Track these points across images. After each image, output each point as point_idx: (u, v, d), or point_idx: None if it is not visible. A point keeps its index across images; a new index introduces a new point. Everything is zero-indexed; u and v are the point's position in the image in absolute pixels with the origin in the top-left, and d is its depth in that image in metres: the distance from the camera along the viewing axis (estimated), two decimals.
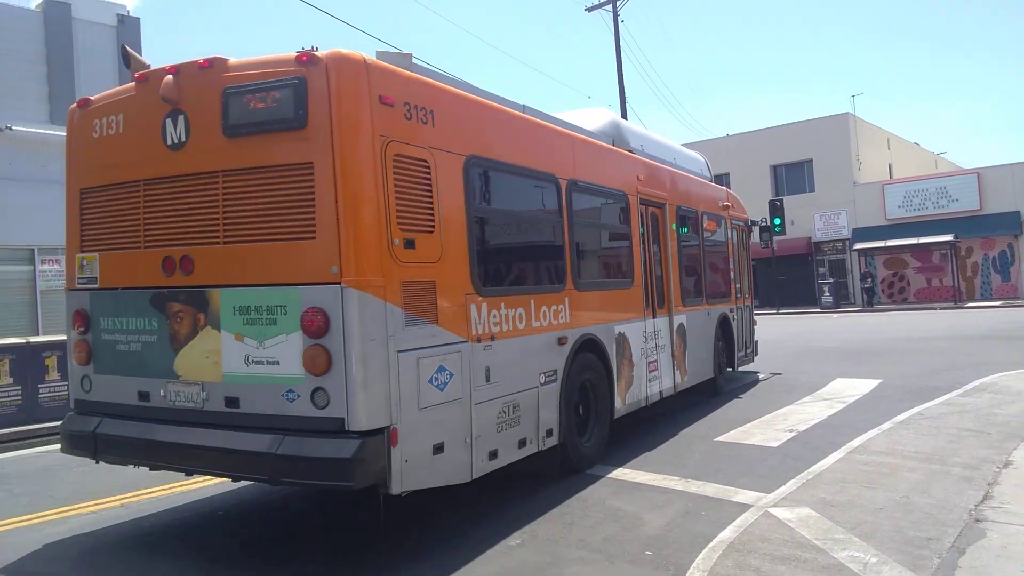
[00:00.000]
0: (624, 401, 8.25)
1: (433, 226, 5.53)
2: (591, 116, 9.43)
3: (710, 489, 6.64)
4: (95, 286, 6.01)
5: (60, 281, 16.37)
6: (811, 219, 40.21)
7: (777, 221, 35.99)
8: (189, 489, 7.54)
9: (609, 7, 35.39)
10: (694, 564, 4.90)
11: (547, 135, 7.40)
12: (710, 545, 5.18)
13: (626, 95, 37.41)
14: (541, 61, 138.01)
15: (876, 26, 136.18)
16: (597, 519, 6.00)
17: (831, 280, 37.86)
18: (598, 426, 7.67)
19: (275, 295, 5.06)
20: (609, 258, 8.56)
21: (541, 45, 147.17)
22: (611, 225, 8.68)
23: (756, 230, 15.63)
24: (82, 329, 6.07)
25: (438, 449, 5.38)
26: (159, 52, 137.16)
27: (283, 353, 5.03)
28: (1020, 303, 31.66)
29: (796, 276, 40.34)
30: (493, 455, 5.98)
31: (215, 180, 5.29)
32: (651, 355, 9.08)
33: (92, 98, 6.18)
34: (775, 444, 8.22)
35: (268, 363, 5.08)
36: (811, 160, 40.78)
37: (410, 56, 5.77)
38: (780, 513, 5.69)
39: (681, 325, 10.14)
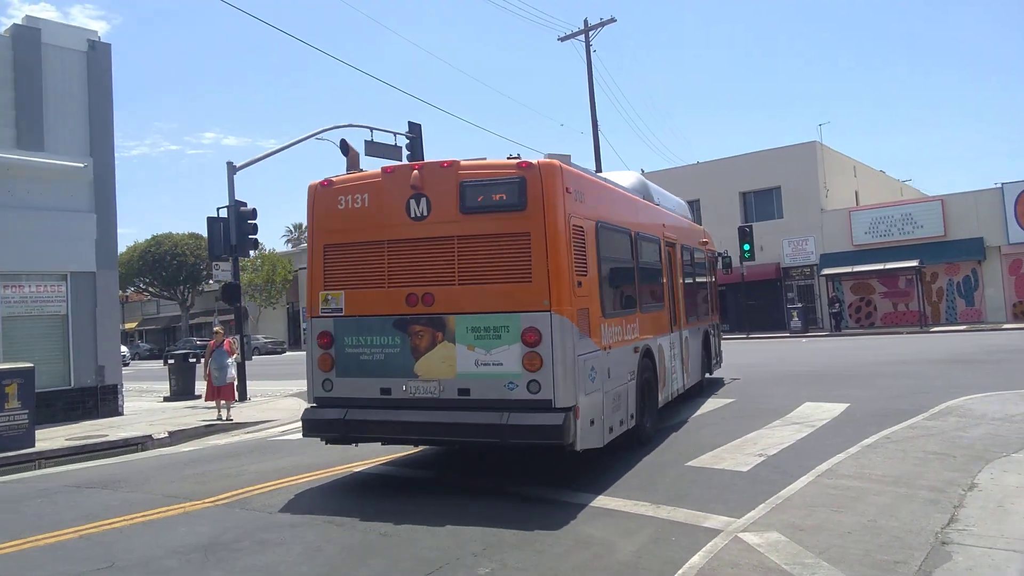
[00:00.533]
0: (661, 396, 10.79)
1: (586, 271, 8.07)
2: (623, 176, 11.43)
3: (680, 514, 6.63)
4: (340, 314, 8.29)
5: (23, 307, 16.09)
6: (780, 245, 40.75)
7: (746, 247, 36.63)
8: (151, 520, 7.40)
9: (581, 37, 35.81)
10: None
11: (626, 201, 10.18)
12: (680, 571, 5.15)
13: (598, 122, 37.78)
14: (514, 89, 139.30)
15: (844, 56, 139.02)
16: (568, 546, 5.96)
17: (800, 305, 38.26)
18: (651, 412, 10.11)
19: (500, 319, 7.60)
20: (653, 287, 11.06)
21: (514, 73, 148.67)
22: (653, 262, 11.10)
23: (720, 260, 18.48)
24: (326, 345, 8.30)
25: (592, 423, 7.82)
26: (129, 78, 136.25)
27: (506, 357, 7.56)
28: (984, 327, 32.16)
29: (765, 301, 40.80)
30: (611, 430, 8.40)
31: (451, 242, 7.84)
32: (673, 361, 11.76)
33: (333, 179, 8.53)
34: (745, 468, 8.21)
35: (493, 365, 7.59)
36: (779, 187, 41.40)
37: (569, 156, 8.19)
38: (750, 538, 5.68)
39: (686, 338, 12.82)
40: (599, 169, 41.03)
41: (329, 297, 8.49)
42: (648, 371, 10.03)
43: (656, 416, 10.38)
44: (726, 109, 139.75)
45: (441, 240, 7.92)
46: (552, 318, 7.48)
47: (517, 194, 7.66)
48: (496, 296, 7.67)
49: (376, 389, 8.08)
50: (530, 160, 7.73)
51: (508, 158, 7.94)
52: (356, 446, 9.75)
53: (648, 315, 10.37)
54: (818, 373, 17.38)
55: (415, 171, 8.07)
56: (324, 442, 8.46)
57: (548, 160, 7.76)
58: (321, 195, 8.56)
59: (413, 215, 8.07)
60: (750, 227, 37.52)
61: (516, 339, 7.55)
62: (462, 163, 7.95)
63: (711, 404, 13.09)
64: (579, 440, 7.51)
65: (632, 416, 9.15)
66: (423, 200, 8.03)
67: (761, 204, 42.38)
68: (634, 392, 9.30)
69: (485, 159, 8.04)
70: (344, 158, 8.85)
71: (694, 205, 43.75)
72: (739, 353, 25.85)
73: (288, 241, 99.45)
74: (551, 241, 7.57)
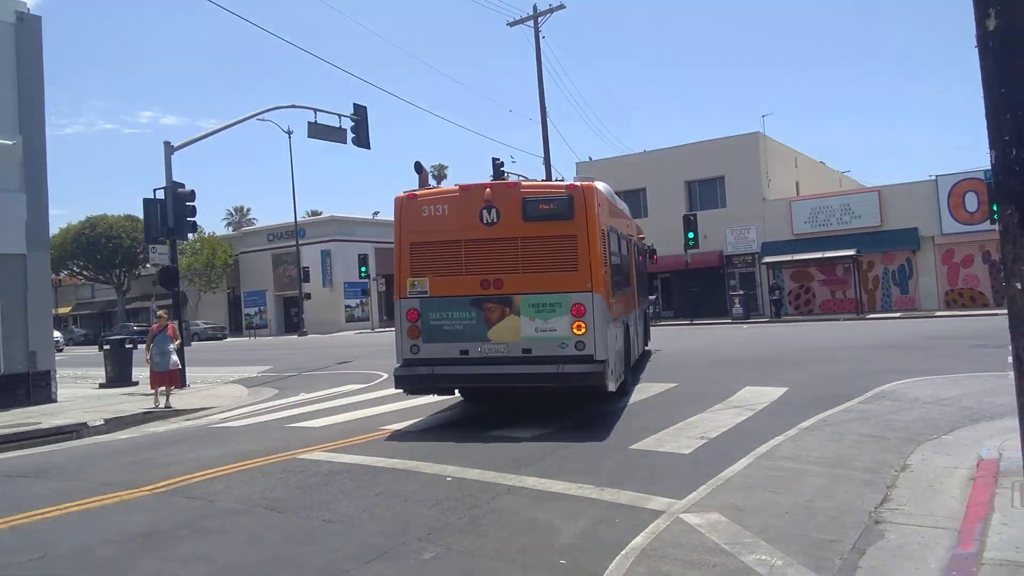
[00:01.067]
0: (631, 360, 14.00)
1: (605, 263, 10.95)
2: (599, 186, 12.72)
3: (624, 497, 6.70)
4: (425, 295, 11.03)
5: None
6: (723, 233, 41.42)
7: (691, 235, 37.17)
8: (86, 509, 7.21)
9: (531, 23, 35.72)
10: (607, 571, 4.92)
11: (616, 209, 13.79)
12: (623, 552, 5.21)
13: (547, 108, 37.80)
14: (464, 74, 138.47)
15: (785, 49, 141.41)
16: (513, 530, 5.98)
17: (742, 292, 39.00)
18: (629, 371, 13.26)
19: (554, 297, 10.51)
20: (626, 275, 14.16)
21: (464, 58, 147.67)
22: (624, 255, 14.02)
23: (648, 251, 21.13)
24: (414, 319, 11.01)
25: (612, 372, 10.83)
26: (62, 53, 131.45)
27: (558, 325, 10.46)
28: (918, 315, 33.19)
29: (709, 288, 41.46)
30: (617, 379, 11.39)
31: (515, 241, 10.72)
32: (636, 332, 15.20)
33: (417, 193, 11.32)
34: (687, 451, 8.31)
35: (549, 331, 10.49)
36: (723, 177, 42.04)
37: (593, 179, 11.19)
38: (691, 519, 5.78)
39: (639, 316, 16.29)
40: (547, 158, 41.27)
41: (415, 282, 11.15)
42: (625, 340, 12.85)
43: (630, 374, 13.65)
44: (672, 99, 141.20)
45: (508, 240, 10.85)
46: (593, 297, 10.53)
47: (567, 207, 10.68)
48: (550, 281, 10.65)
49: (456, 351, 10.86)
50: (575, 183, 10.86)
51: (558, 180, 11.71)
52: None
53: (623, 296, 13.26)
54: (758, 358, 17.73)
55: (488, 189, 11.00)
56: (405, 392, 11.43)
57: (588, 183, 10.93)
58: (407, 205, 11.33)
59: (485, 221, 10.93)
60: (694, 215, 38.17)
61: (567, 312, 10.57)
62: (523, 184, 11.08)
63: (654, 388, 13.23)
64: (609, 383, 10.65)
65: (622, 372, 12.11)
66: (493, 210, 10.92)
67: (705, 193, 42.99)
68: (623, 353, 12.44)
69: (539, 180, 11.48)
70: (417, 175, 12.48)
71: (640, 194, 44.28)
72: (682, 338, 26.27)
73: (228, 224, 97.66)
74: (591, 241, 10.61)
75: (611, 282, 11.40)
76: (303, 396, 16.09)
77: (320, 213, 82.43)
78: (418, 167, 12.73)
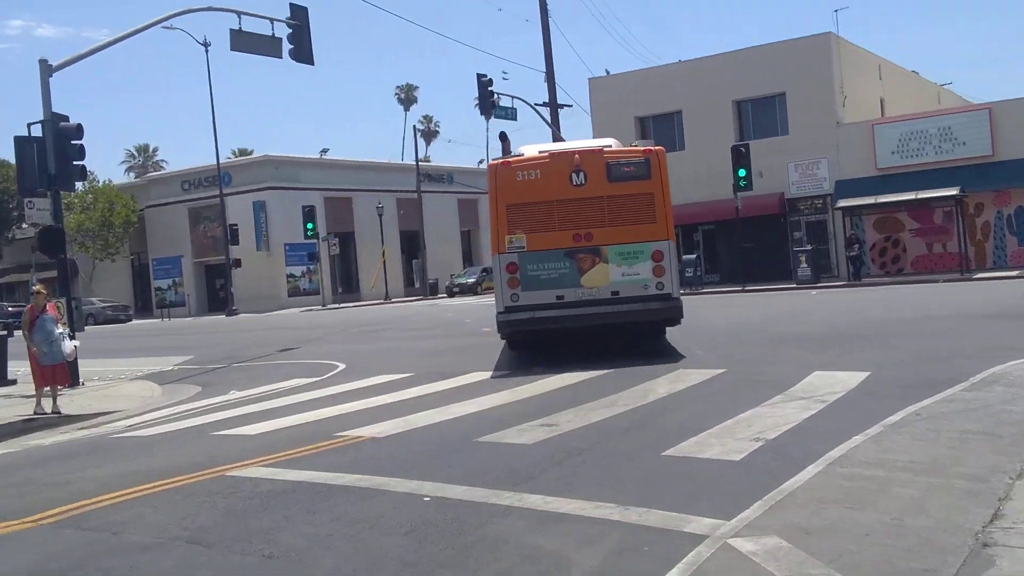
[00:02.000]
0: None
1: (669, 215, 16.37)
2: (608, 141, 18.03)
3: (654, 517, 6.71)
4: (523, 250, 16.10)
5: None
6: (784, 170, 41.18)
7: (742, 172, 37.01)
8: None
9: None
10: None
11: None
12: None
13: (548, 6, 37.54)
14: None
15: None
16: (511, 562, 6.02)
17: (809, 248, 38.80)
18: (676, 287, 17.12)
19: (637, 247, 16.01)
20: None
21: None
22: None
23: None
24: (513, 271, 16.11)
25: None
26: None
27: (641, 269, 16.02)
28: None
29: (766, 243, 41.26)
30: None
31: (601, 200, 16.01)
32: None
33: (511, 161, 16.53)
34: (737, 457, 8.29)
35: (634, 275, 16.02)
36: (784, 94, 41.71)
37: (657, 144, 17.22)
38: (742, 545, 5.79)
39: None
40: (550, 74, 41.11)
41: (513, 239, 16.17)
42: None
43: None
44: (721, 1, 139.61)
45: (595, 199, 16.03)
46: (669, 244, 16.13)
47: (645, 169, 16.05)
48: (633, 232, 16.02)
49: (552, 297, 16.12)
50: (650, 148, 16.38)
51: (633, 146, 17.37)
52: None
53: None
54: (831, 334, 17.77)
55: (576, 155, 16.18)
56: (505, 342, 17.99)
57: (659, 147, 16.50)
58: (502, 171, 16.34)
59: (574, 183, 16.03)
60: (746, 147, 37.97)
61: (647, 258, 16.02)
62: (606, 150, 16.50)
63: (694, 376, 13.27)
64: (680, 318, 16.50)
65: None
66: (582, 173, 16.01)
67: (761, 116, 42.68)
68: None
69: (618, 145, 17.14)
70: (501, 144, 18.17)
71: (674, 119, 44.13)
72: (731, 309, 26.29)
73: (130, 170, 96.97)
74: (665, 197, 16.03)
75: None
76: (235, 395, 16.19)
77: (251, 152, 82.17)
78: (503, 137, 18.38)
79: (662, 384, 12.80)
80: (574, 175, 16.14)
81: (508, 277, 16.29)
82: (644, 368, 14.35)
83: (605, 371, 14.33)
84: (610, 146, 17.00)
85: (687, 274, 38.28)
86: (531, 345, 17.94)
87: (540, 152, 16.81)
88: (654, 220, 16.12)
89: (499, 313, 16.43)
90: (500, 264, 16.37)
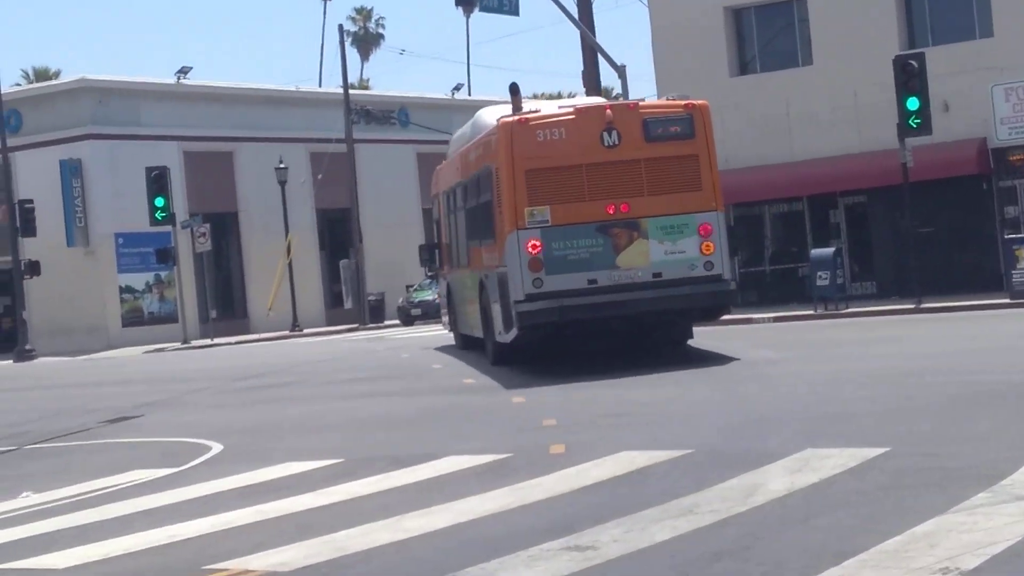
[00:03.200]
0: None
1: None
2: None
3: None
4: (547, 224, 15.49)
5: None
6: (987, 99, 26.21)
7: (913, 104, 24.76)
8: None
9: None
10: None
11: None
12: None
13: None
14: None
15: None
16: None
17: None
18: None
19: (682, 219, 15.61)
20: None
21: None
22: None
23: None
24: (536, 248, 15.41)
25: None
26: None
27: (687, 246, 15.63)
28: None
29: (957, 226, 26.99)
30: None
31: (639, 164, 15.63)
32: None
33: (529, 117, 15.83)
34: None
35: (678, 253, 15.59)
36: None
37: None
38: None
39: None
40: None
41: (535, 211, 15.46)
42: None
43: None
44: None
45: (631, 163, 15.64)
46: (717, 216, 15.93)
47: (689, 127, 15.78)
48: (676, 202, 15.69)
49: (584, 281, 15.50)
50: (693, 101, 16.04)
51: (668, 98, 17.11)
52: None
53: None
54: None
55: (607, 110, 15.97)
56: (527, 332, 15.99)
57: (703, 102, 16.13)
58: (518, 130, 15.59)
59: (606, 144, 15.48)
60: (920, 58, 24.47)
61: (694, 232, 15.58)
62: (641, 104, 16.71)
63: (834, 458, 9.97)
64: (733, 305, 18.12)
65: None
66: (615, 132, 15.46)
67: (945, 6, 29.68)
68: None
69: (653, 99, 18.82)
70: (511, 98, 16.85)
71: (794, 7, 30.95)
72: (898, 344, 19.69)
73: None
74: (712, 160, 15.93)
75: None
76: (29, 499, 12.39)
77: (56, 75, 60.68)
78: (514, 89, 16.73)
79: (777, 474, 9.50)
80: (606, 134, 15.40)
81: (528, 259, 15.30)
82: (744, 445, 10.96)
83: (676, 452, 10.92)
84: (646, 100, 17.40)
85: (820, 281, 27.22)
86: (547, 345, 16.97)
87: (563, 108, 16.45)
88: (700, 187, 15.69)
89: (516, 302, 15.32)
90: (519, 243, 15.40)
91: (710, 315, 17.23)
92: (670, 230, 15.26)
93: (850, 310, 26.82)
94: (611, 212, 15.35)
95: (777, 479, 8.95)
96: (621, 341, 17.98)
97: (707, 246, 15.38)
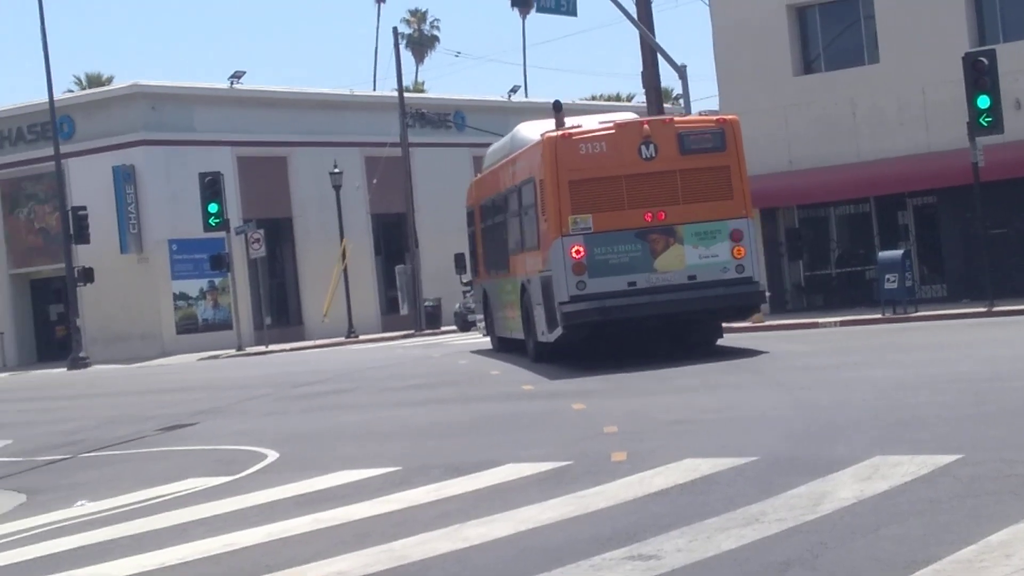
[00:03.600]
0: None
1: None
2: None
3: None
4: (589, 231, 17.03)
5: None
6: None
7: (984, 102, 24.23)
8: None
9: None
10: None
11: None
12: None
13: None
14: None
15: None
16: None
17: None
18: None
19: (715, 225, 17.42)
20: None
21: None
22: None
23: None
24: (579, 254, 16.85)
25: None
26: None
27: (720, 251, 17.40)
28: None
29: None
30: None
31: (674, 175, 17.44)
32: None
33: (572, 132, 17.41)
34: None
35: (712, 257, 17.37)
36: None
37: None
38: None
39: None
40: None
41: (578, 219, 16.96)
42: None
43: None
44: None
45: (667, 173, 17.26)
46: (747, 222, 17.58)
47: (720, 140, 17.47)
48: (709, 210, 17.30)
49: (624, 283, 17.04)
50: (724, 117, 18.31)
51: (700, 114, 20.67)
52: None
53: None
54: None
55: (645, 126, 17.57)
56: (572, 330, 17.48)
57: (734, 116, 18.18)
58: (562, 144, 17.22)
59: (644, 156, 17.10)
60: (992, 56, 23.88)
61: (726, 238, 17.19)
62: (676, 119, 18.55)
63: (903, 466, 9.65)
64: (763, 304, 19.85)
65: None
66: (652, 145, 17.08)
67: (1013, 6, 28.72)
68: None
69: (689, 115, 20.85)
70: (555, 115, 18.59)
71: (859, 5, 30.52)
72: (970, 349, 18.98)
73: None
74: (742, 171, 17.59)
75: None
76: (86, 506, 12.30)
77: (109, 81, 57.63)
78: (557, 106, 18.35)
79: (845, 482, 9.14)
80: (643, 147, 17.08)
81: (573, 263, 16.99)
82: (811, 452, 10.66)
83: (740, 459, 10.68)
84: (680, 116, 20.13)
85: (888, 284, 26.51)
86: (591, 342, 18.50)
87: (603, 123, 18.05)
88: (731, 196, 17.45)
89: (561, 303, 16.98)
90: (563, 248, 17.11)
91: (742, 314, 18.92)
92: (704, 236, 17.02)
93: (919, 314, 26.18)
94: (649, 219, 17.02)
95: (846, 487, 8.67)
96: (656, 341, 19.12)
97: (738, 250, 17.15)
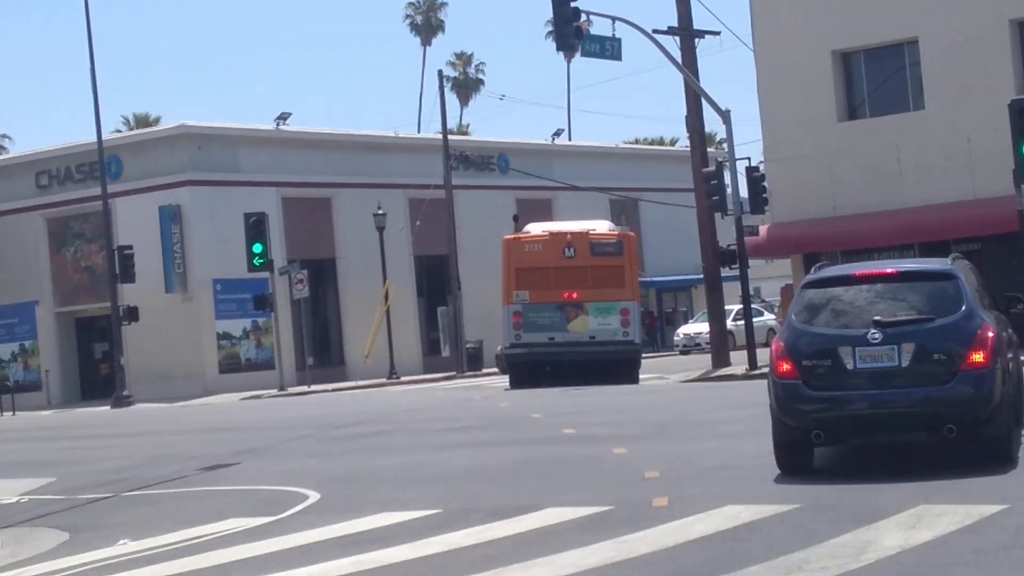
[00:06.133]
0: None
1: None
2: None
3: None
4: (526, 302, 29.30)
5: None
6: None
7: None
8: None
9: None
10: None
11: None
12: None
13: None
14: None
15: None
16: None
17: None
18: None
19: (610, 304, 30.00)
20: None
21: None
22: None
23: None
24: (518, 317, 29.10)
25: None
26: None
27: (612, 321, 29.75)
28: None
29: None
30: None
31: (586, 269, 30.01)
32: None
33: (520, 237, 30.28)
34: None
35: (607, 325, 29.63)
36: None
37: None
38: None
39: None
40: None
41: (519, 294, 28.23)
42: None
43: None
44: None
45: (581, 268, 28.51)
46: (633, 304, 29.34)
47: (619, 248, 29.47)
48: (607, 294, 28.63)
49: (546, 338, 28.04)
50: (624, 232, 31.37)
51: (610, 230, 31.24)
52: None
53: None
54: None
55: (568, 235, 28.93)
56: (507, 369, 31.27)
57: (631, 232, 32.53)
58: (514, 244, 29.08)
59: (566, 255, 28.37)
60: None
61: (617, 313, 28.41)
62: (591, 233, 29.35)
63: (950, 515, 9.35)
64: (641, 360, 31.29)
65: None
66: (572, 247, 28.46)
67: None
68: None
69: (599, 231, 30.61)
70: (514, 224, 31.11)
71: (905, 51, 30.02)
72: None
73: None
74: (631, 269, 29.96)
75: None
76: (128, 545, 12.01)
77: (156, 121, 58.37)
78: (515, 218, 31.93)
79: (890, 530, 8.96)
80: (566, 249, 27.81)
81: (514, 321, 27.59)
82: (854, 500, 10.34)
83: (783, 506, 10.33)
84: (594, 230, 29.24)
85: None
86: (529, 376, 28.19)
87: (542, 231, 29.25)
88: (623, 285, 28.24)
89: (505, 349, 27.44)
90: (508, 312, 27.80)
91: (627, 366, 28.33)
92: (602, 310, 27.64)
93: None
94: (565, 296, 27.79)
95: (890, 535, 8.53)
96: (580, 380, 27.02)
97: (625, 322, 27.69)
